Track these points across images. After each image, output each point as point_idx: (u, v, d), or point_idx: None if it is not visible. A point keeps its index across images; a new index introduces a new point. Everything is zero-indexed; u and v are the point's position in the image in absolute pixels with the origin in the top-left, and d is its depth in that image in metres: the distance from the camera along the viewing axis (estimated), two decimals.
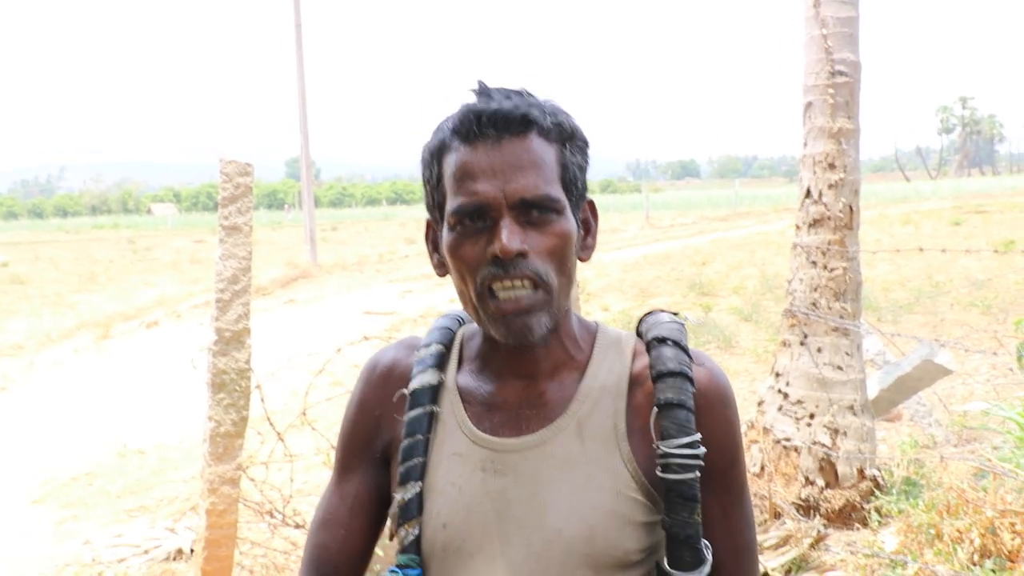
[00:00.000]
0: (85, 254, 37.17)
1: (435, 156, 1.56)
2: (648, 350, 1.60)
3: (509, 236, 1.46)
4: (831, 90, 5.96)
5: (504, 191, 1.47)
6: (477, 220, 1.49)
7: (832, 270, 5.89)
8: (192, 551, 5.73)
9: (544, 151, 1.51)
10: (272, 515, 5.91)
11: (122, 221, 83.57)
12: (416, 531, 1.58)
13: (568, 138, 1.55)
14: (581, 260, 1.61)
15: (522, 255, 1.47)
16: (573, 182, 1.55)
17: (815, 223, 5.98)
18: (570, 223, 1.53)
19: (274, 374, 5.84)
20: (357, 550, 1.69)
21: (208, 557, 5.26)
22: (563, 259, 1.52)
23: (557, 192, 1.51)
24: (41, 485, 7.83)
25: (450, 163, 1.52)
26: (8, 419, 10.36)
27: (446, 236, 1.54)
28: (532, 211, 1.49)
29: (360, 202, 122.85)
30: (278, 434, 5.66)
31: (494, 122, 1.48)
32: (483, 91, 1.53)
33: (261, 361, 5.75)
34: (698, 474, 1.52)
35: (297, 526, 5.89)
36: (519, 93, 1.54)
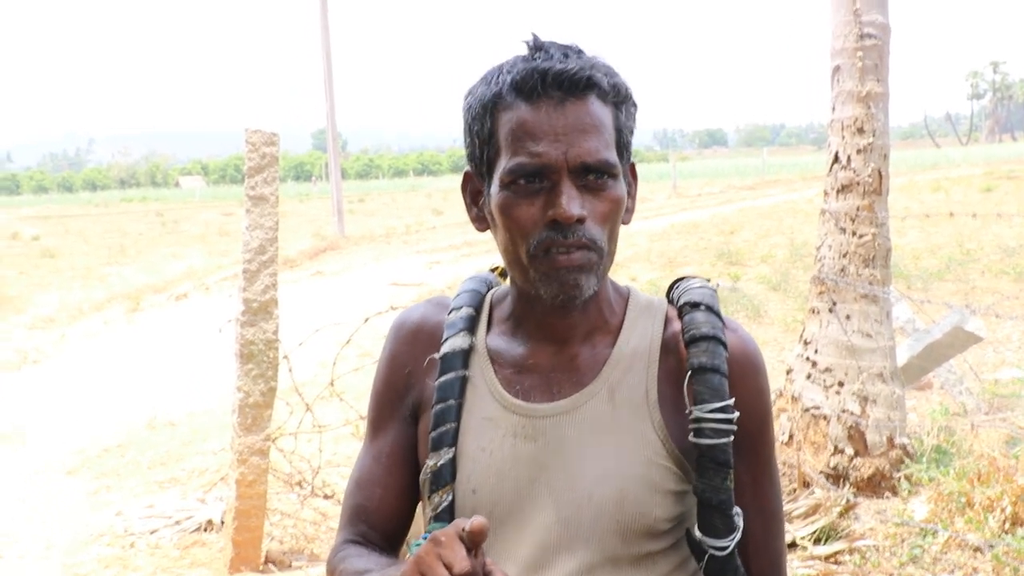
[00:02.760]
0: (114, 227, 37.37)
1: (488, 110, 1.52)
2: (680, 315, 1.60)
3: (569, 201, 1.45)
4: (860, 53, 5.89)
5: (567, 155, 1.45)
6: (534, 181, 1.48)
7: (861, 236, 5.84)
8: (223, 522, 5.78)
9: (603, 114, 1.49)
10: (301, 486, 5.95)
11: (151, 194, 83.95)
12: (449, 498, 1.57)
13: (623, 100, 1.53)
14: (624, 224, 1.59)
15: (580, 220, 1.46)
16: (626, 146, 1.54)
17: (844, 188, 5.93)
18: (623, 188, 1.53)
19: (302, 344, 5.85)
20: (395, 508, 1.68)
21: (238, 527, 5.30)
22: (615, 224, 1.52)
23: (614, 157, 1.50)
24: (74, 456, 7.90)
25: (508, 120, 1.49)
26: (41, 391, 10.45)
27: (496, 193, 1.51)
28: (590, 176, 1.48)
29: (387, 173, 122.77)
30: (307, 405, 5.69)
31: (559, 82, 1.46)
32: (540, 46, 1.51)
33: (289, 332, 5.77)
34: (731, 439, 1.51)
35: (326, 497, 5.92)
36: (577, 51, 1.51)
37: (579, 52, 1.51)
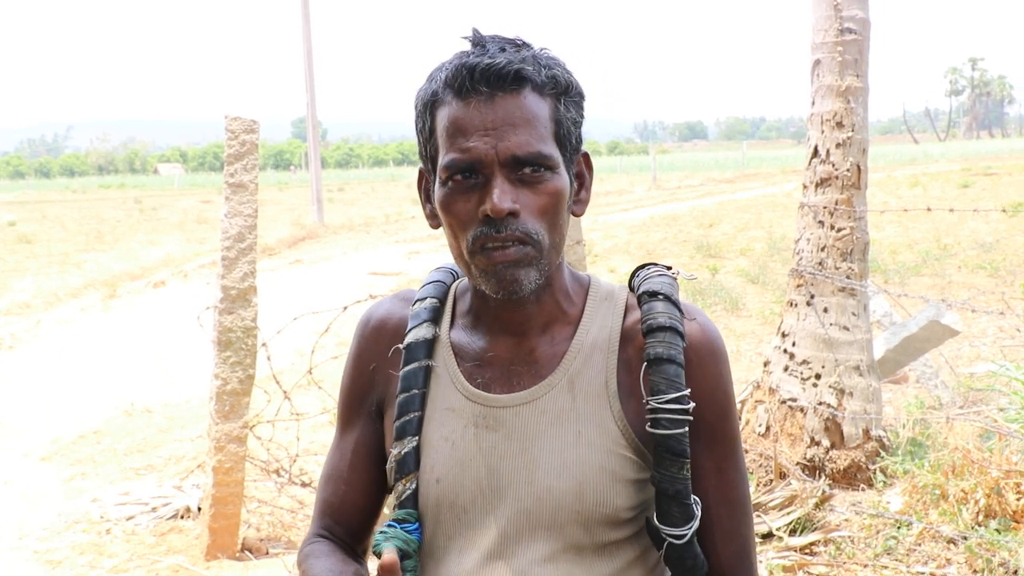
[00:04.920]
0: (92, 214, 37.17)
1: (428, 107, 1.54)
2: (640, 304, 1.59)
3: (500, 195, 1.45)
4: (840, 48, 5.92)
5: (496, 149, 1.46)
6: (469, 176, 1.48)
7: (839, 230, 5.86)
8: (200, 509, 5.77)
9: (538, 107, 1.49)
10: (279, 474, 5.95)
11: (129, 181, 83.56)
12: (413, 486, 1.59)
13: (563, 92, 1.52)
14: (574, 215, 1.60)
15: (513, 214, 1.46)
16: (567, 137, 1.53)
17: (822, 182, 5.95)
18: (563, 180, 1.52)
19: (280, 333, 5.84)
20: (360, 504, 1.70)
21: (215, 515, 5.29)
22: (555, 217, 1.51)
23: (550, 149, 1.49)
24: (49, 443, 7.86)
25: (443, 117, 1.50)
26: (16, 378, 10.39)
27: (438, 190, 1.53)
28: (524, 169, 1.47)
29: (367, 163, 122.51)
30: (284, 393, 5.68)
31: (487, 78, 1.46)
32: (477, 41, 1.51)
33: (267, 321, 5.76)
34: (687, 430, 1.51)
35: (304, 485, 5.92)
36: (515, 44, 1.51)
37: (519, 46, 1.51)
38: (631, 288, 1.66)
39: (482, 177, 1.48)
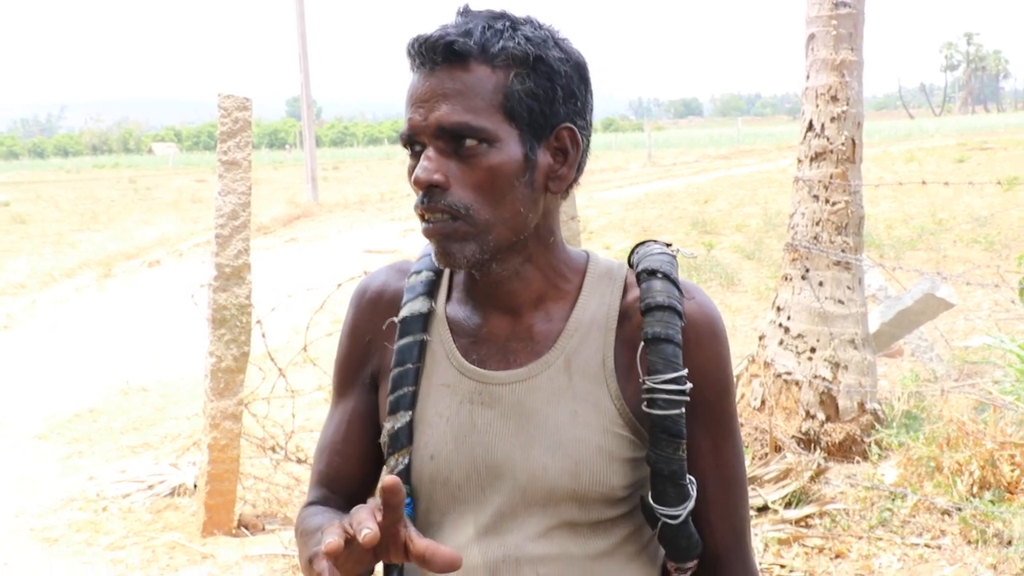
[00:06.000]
0: (86, 193, 37.08)
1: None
2: (639, 282, 1.57)
3: (423, 167, 1.44)
4: (834, 21, 5.90)
5: (427, 119, 1.45)
6: (415, 147, 1.48)
7: (834, 204, 5.86)
8: (195, 486, 5.78)
9: (481, 79, 1.45)
10: (275, 450, 5.95)
11: (123, 160, 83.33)
12: (406, 460, 1.57)
13: (520, 64, 1.47)
14: (550, 192, 1.53)
15: (438, 187, 1.45)
16: (520, 111, 1.48)
17: (817, 156, 5.95)
18: (504, 155, 1.46)
19: (274, 310, 5.84)
20: (354, 475, 1.69)
21: (211, 491, 5.30)
22: (493, 192, 1.47)
23: (482, 122, 1.45)
24: (45, 421, 7.87)
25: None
26: (11, 357, 10.40)
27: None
28: (461, 141, 1.45)
29: (362, 141, 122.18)
30: (280, 370, 5.68)
31: (428, 50, 1.45)
32: (460, 13, 1.51)
33: (262, 299, 5.75)
34: (683, 410, 1.50)
35: (299, 461, 5.93)
36: (491, 17, 1.49)
37: (494, 18, 1.49)
38: (630, 265, 1.64)
39: (420, 148, 1.48)
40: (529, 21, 1.52)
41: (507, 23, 1.49)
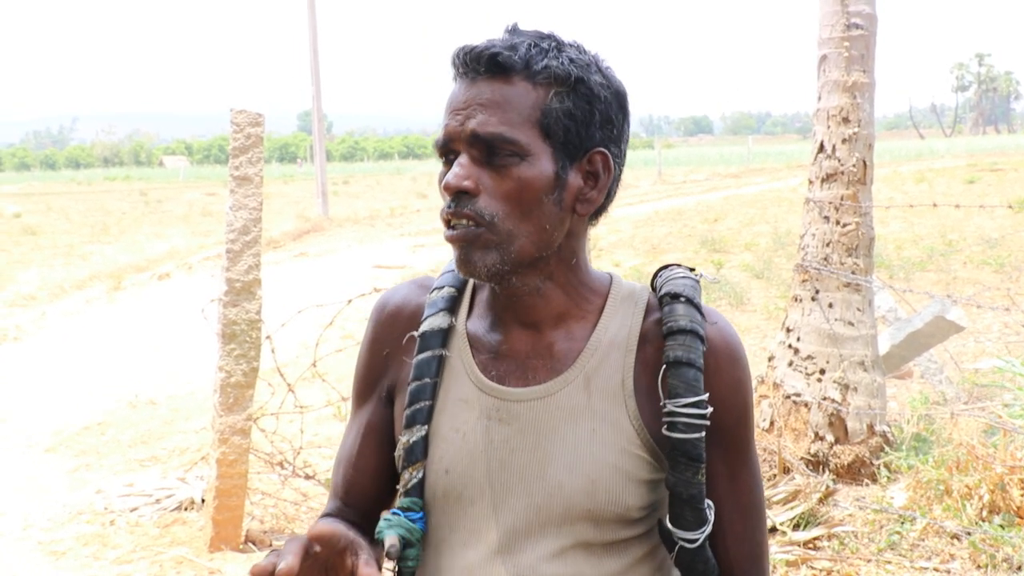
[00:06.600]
0: (97, 206, 37.17)
1: None
2: (661, 305, 1.58)
3: (455, 173, 1.46)
4: (846, 43, 5.91)
5: (463, 126, 1.47)
6: (449, 155, 1.50)
7: (845, 225, 5.86)
8: (203, 501, 5.77)
9: (518, 93, 1.47)
10: (283, 466, 5.95)
11: (134, 173, 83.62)
12: (420, 474, 1.57)
13: (560, 84, 1.49)
14: (579, 214, 1.54)
15: (468, 193, 1.47)
16: (556, 129, 1.49)
17: (828, 178, 5.95)
18: (535, 170, 1.48)
19: (284, 325, 5.84)
20: (367, 487, 1.69)
21: (219, 506, 5.30)
22: (521, 204, 1.48)
23: (517, 135, 1.46)
24: (54, 434, 7.88)
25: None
26: (21, 369, 10.42)
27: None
28: (494, 153, 1.47)
29: (372, 156, 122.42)
30: (289, 386, 5.69)
31: (469, 61, 1.48)
32: (508, 31, 1.53)
33: (272, 314, 5.76)
34: (703, 434, 1.50)
35: (308, 477, 5.92)
36: (537, 36, 1.51)
37: (535, 37, 1.51)
38: (653, 288, 1.65)
39: (454, 156, 1.50)
40: (575, 45, 1.55)
41: (553, 43, 1.52)
